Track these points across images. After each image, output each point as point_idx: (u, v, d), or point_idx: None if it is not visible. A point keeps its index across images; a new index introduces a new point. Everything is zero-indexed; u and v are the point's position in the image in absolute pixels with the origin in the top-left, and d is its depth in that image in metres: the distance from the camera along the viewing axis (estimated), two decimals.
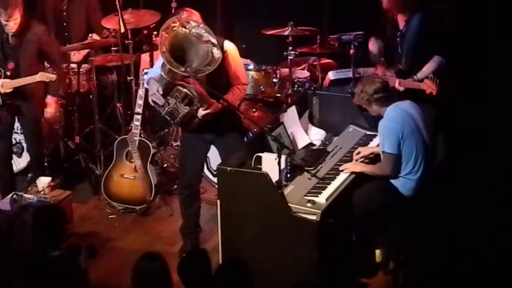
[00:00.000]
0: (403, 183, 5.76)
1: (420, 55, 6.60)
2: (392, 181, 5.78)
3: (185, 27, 5.70)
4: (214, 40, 5.70)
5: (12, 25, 6.57)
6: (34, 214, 5.19)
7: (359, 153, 6.07)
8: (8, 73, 6.64)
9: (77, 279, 4.94)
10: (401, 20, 6.65)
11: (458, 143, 7.30)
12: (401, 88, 6.53)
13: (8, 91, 6.63)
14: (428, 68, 6.53)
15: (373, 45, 6.77)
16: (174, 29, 5.68)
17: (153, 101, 5.95)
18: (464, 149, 7.29)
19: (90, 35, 7.87)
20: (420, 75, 6.52)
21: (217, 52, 5.69)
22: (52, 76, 6.72)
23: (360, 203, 5.76)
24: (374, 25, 7.00)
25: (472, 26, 7.42)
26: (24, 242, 5.31)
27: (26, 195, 6.46)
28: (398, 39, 6.67)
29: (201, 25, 5.74)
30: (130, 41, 7.65)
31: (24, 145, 7.32)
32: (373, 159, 6.02)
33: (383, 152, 5.76)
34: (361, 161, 6.01)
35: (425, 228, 6.08)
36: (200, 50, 5.71)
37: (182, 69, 5.67)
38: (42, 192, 6.52)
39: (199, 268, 4.70)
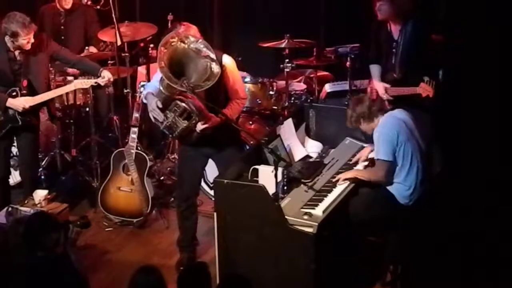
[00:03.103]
0: (400, 191, 5.77)
1: (414, 63, 6.62)
2: (389, 188, 5.79)
3: (183, 42, 5.70)
4: (213, 55, 5.69)
5: (29, 45, 6.45)
6: (25, 220, 5.21)
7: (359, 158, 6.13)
8: (25, 91, 6.57)
9: (68, 276, 4.96)
10: (395, 30, 6.68)
11: (456, 151, 7.31)
12: (387, 96, 6.57)
13: (28, 106, 6.57)
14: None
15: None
16: (172, 44, 5.68)
17: (153, 117, 5.94)
18: (462, 157, 7.31)
19: (86, 47, 7.90)
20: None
21: (216, 67, 5.69)
22: (92, 82, 6.83)
23: (357, 212, 5.77)
24: (368, 37, 7.03)
25: (470, 34, 7.44)
26: (19, 255, 5.31)
27: (22, 208, 6.44)
28: (394, 49, 6.69)
29: (200, 40, 5.74)
30: (127, 54, 7.66)
31: None
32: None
33: (377, 159, 5.78)
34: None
35: (423, 238, 6.08)
36: (199, 65, 5.70)
37: (181, 83, 5.66)
38: (38, 205, 6.50)
39: (200, 281, 4.69)
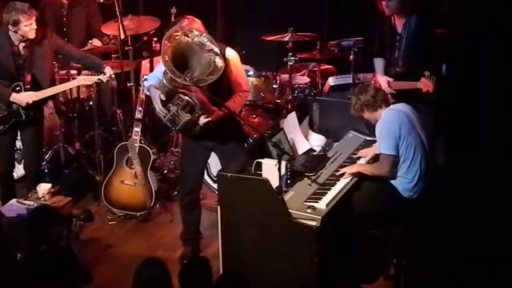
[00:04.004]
0: (402, 184, 5.77)
1: (417, 57, 6.61)
2: (391, 181, 5.78)
3: (187, 36, 5.69)
4: (217, 49, 5.69)
5: (32, 32, 6.43)
6: (29, 213, 5.23)
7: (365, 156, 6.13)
8: (28, 86, 6.57)
9: (71, 269, 4.97)
10: (399, 24, 6.67)
11: (459, 145, 7.30)
12: (390, 90, 6.57)
13: (32, 101, 6.57)
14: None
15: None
16: (176, 37, 5.67)
17: (158, 110, 5.94)
18: (465, 151, 7.29)
19: (90, 41, 7.90)
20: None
21: (219, 61, 5.68)
22: (95, 78, 6.79)
23: (360, 205, 5.77)
24: (372, 31, 7.01)
25: (471, 28, 7.42)
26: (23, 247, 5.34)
27: (26, 202, 6.46)
28: (397, 43, 6.68)
29: (204, 34, 5.73)
30: (130, 48, 7.66)
31: None
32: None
33: (380, 153, 5.77)
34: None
35: (427, 232, 6.08)
36: (203, 59, 5.70)
37: (184, 77, 5.66)
38: (42, 199, 6.50)
39: (200, 276, 4.70)
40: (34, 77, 6.60)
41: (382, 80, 6.70)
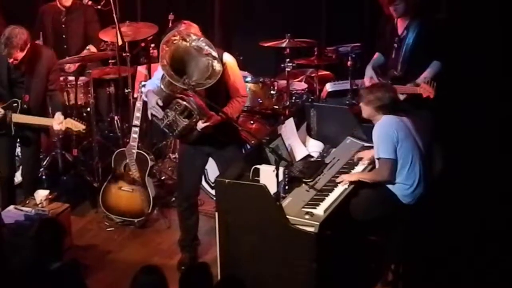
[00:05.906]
0: (401, 190, 5.76)
1: (417, 62, 6.60)
2: (390, 187, 5.78)
3: (185, 40, 5.70)
4: (214, 53, 5.70)
5: (14, 62, 6.37)
6: (38, 227, 5.24)
7: (361, 158, 6.12)
8: (25, 106, 6.50)
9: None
10: (400, 26, 6.64)
11: (457, 150, 7.31)
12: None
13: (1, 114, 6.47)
14: (428, 74, 6.49)
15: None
16: (174, 42, 5.68)
17: (152, 114, 5.95)
18: (463, 156, 7.30)
19: (87, 47, 7.90)
20: (419, 80, 6.48)
21: (217, 65, 5.69)
22: (82, 127, 6.59)
23: (358, 211, 5.76)
24: (372, 34, 7.01)
25: (470, 35, 7.44)
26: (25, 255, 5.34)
27: (24, 208, 6.45)
28: (395, 44, 6.67)
29: (202, 38, 5.74)
30: (128, 54, 7.66)
31: None
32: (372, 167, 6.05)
33: (379, 158, 5.77)
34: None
35: (425, 237, 6.08)
36: (200, 63, 5.70)
37: (183, 82, 5.67)
38: (40, 205, 6.49)
39: (201, 282, 4.69)
40: (30, 99, 6.55)
41: (367, 73, 6.68)
